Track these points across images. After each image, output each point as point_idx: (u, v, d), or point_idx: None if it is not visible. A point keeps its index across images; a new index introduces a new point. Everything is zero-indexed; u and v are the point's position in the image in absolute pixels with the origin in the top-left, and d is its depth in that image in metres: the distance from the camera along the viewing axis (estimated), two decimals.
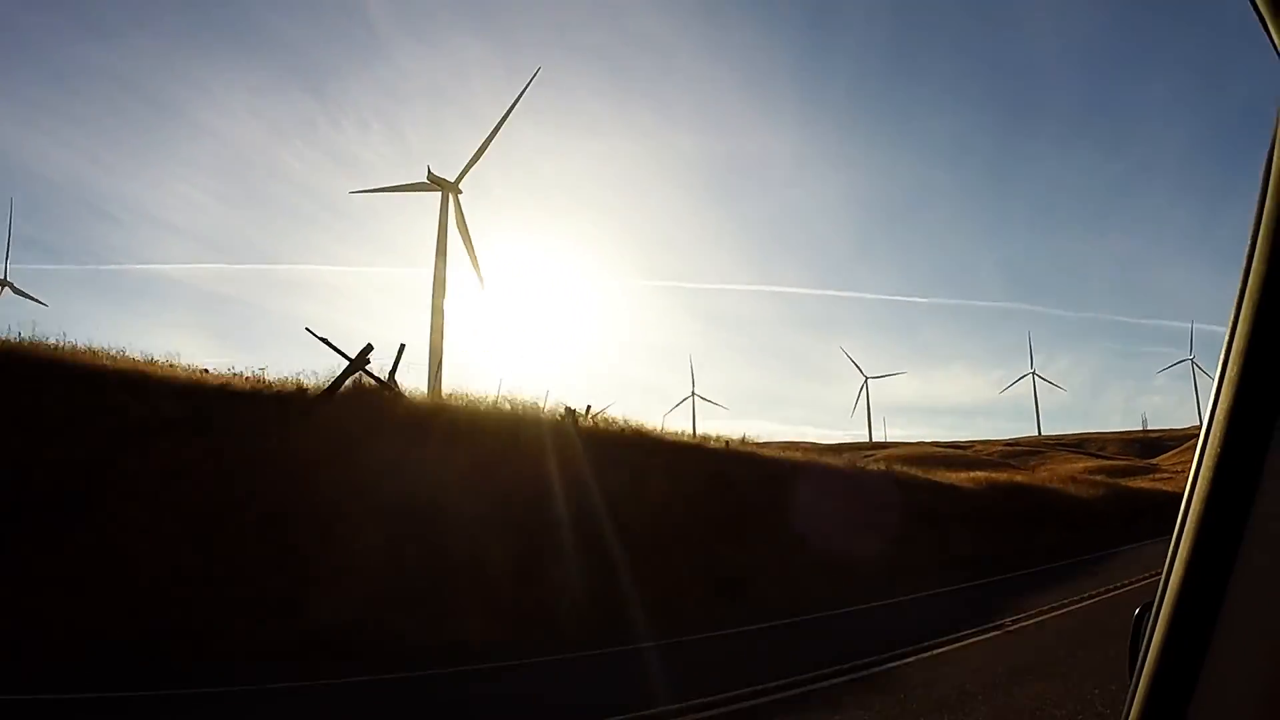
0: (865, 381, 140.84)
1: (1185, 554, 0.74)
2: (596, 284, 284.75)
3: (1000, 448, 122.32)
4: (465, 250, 50.18)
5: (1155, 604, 0.81)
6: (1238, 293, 0.69)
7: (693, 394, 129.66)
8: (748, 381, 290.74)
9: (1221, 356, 0.71)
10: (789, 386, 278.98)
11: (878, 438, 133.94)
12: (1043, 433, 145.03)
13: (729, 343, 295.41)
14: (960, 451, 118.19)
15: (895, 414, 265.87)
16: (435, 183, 49.28)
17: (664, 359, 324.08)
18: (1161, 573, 0.81)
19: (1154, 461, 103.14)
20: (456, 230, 48.84)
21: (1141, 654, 0.80)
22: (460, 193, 49.79)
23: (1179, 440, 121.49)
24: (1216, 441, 0.70)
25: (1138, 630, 1.50)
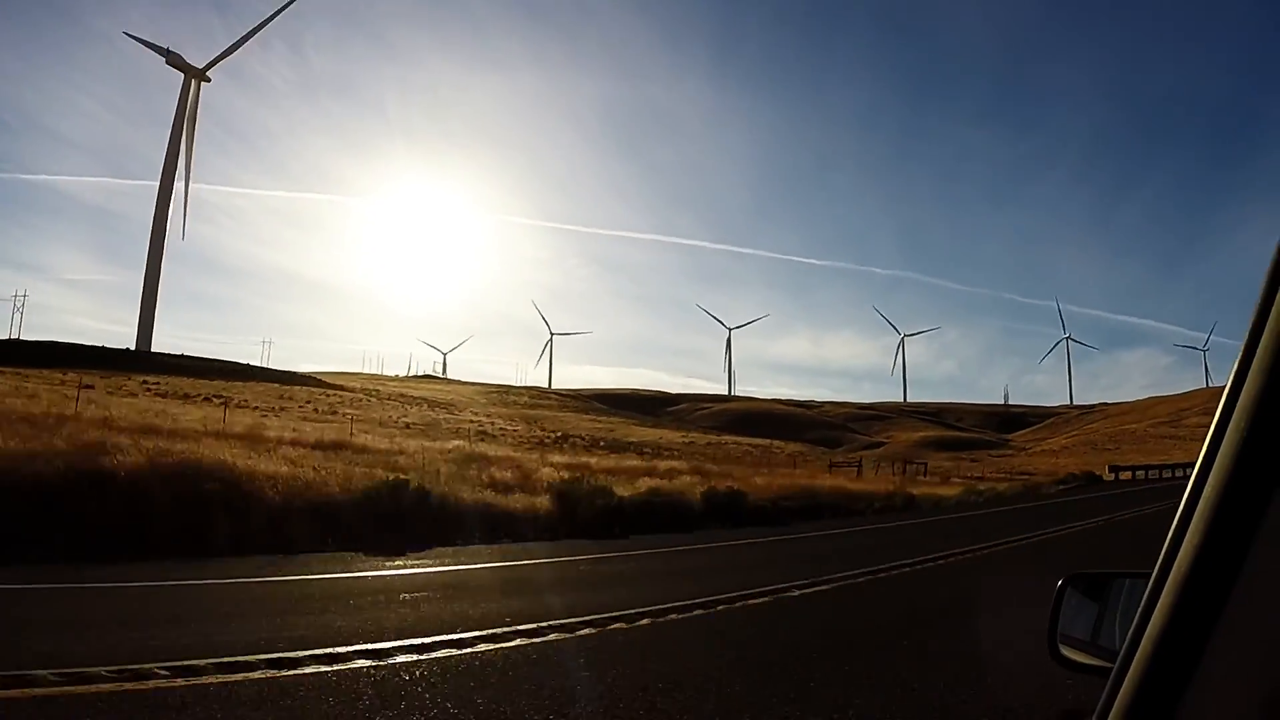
0: (729, 334, 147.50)
1: (1193, 546, 0.69)
2: (489, 219, 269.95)
3: (851, 410, 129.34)
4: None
5: (1147, 594, 0.74)
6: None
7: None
8: (637, 329, 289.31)
9: (1243, 347, 0.67)
10: (679, 337, 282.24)
11: (739, 391, 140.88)
12: (908, 399, 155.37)
13: (622, 290, 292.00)
14: (804, 410, 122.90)
15: (783, 371, 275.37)
16: (177, 66, 45.49)
17: (553, 300, 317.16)
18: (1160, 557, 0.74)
19: (1007, 436, 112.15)
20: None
21: (1127, 643, 0.75)
22: (209, 81, 45.66)
23: (1041, 417, 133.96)
24: (1239, 428, 0.66)
25: (1059, 601, 1.48)
